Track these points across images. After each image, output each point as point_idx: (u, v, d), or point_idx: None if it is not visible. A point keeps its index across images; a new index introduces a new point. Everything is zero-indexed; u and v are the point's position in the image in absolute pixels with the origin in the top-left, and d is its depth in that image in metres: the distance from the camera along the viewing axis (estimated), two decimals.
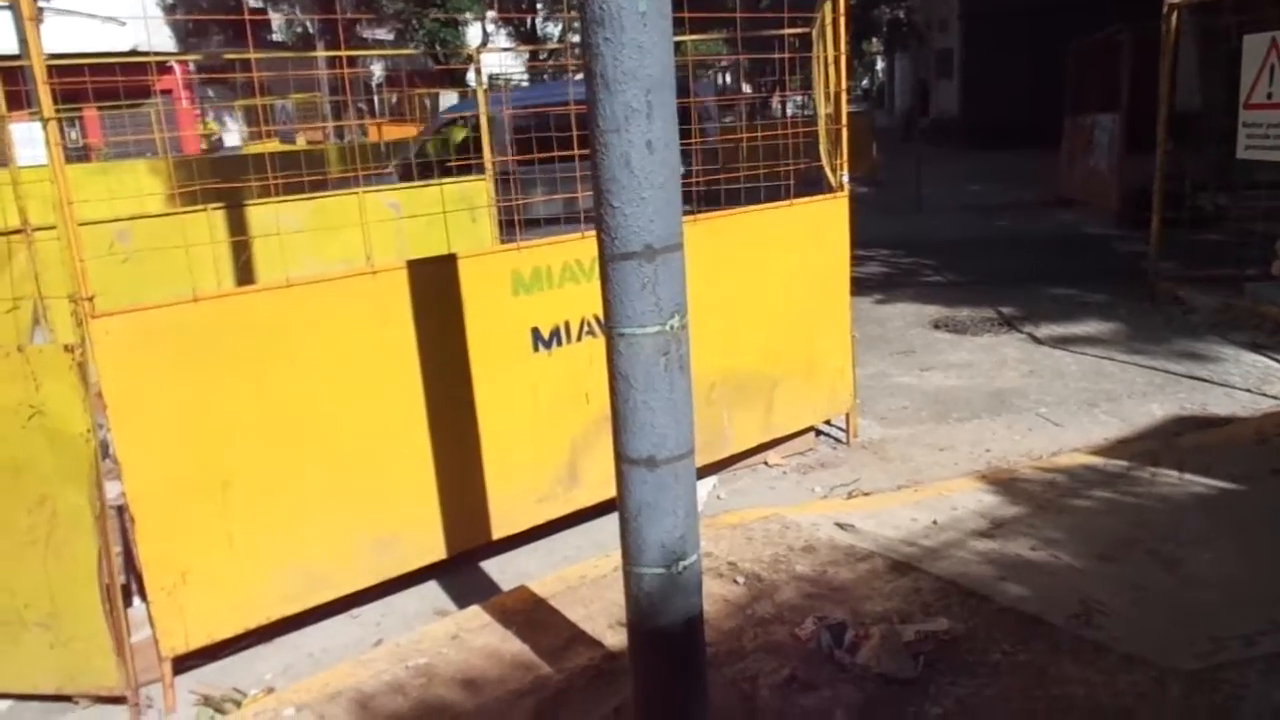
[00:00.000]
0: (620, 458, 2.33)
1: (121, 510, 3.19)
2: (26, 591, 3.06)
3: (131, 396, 2.95)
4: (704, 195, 4.93)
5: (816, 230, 4.72)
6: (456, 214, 5.99)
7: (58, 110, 2.85)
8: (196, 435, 3.08)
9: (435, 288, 3.51)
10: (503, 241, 5.64)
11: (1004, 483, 4.22)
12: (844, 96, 4.73)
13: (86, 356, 2.90)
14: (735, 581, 3.46)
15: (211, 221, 5.09)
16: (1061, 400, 5.58)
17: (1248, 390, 5.49)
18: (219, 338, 3.09)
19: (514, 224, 4.77)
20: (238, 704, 3.13)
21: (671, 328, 2.25)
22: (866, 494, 4.44)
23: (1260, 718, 2.56)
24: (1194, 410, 5.27)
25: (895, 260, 10.19)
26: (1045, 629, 3.02)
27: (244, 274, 5.24)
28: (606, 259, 2.24)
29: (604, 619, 3.28)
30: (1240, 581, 3.24)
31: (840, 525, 3.87)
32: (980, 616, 3.12)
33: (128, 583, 3.34)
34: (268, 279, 5.01)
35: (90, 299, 2.86)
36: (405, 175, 8.03)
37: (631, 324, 2.23)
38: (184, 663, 3.25)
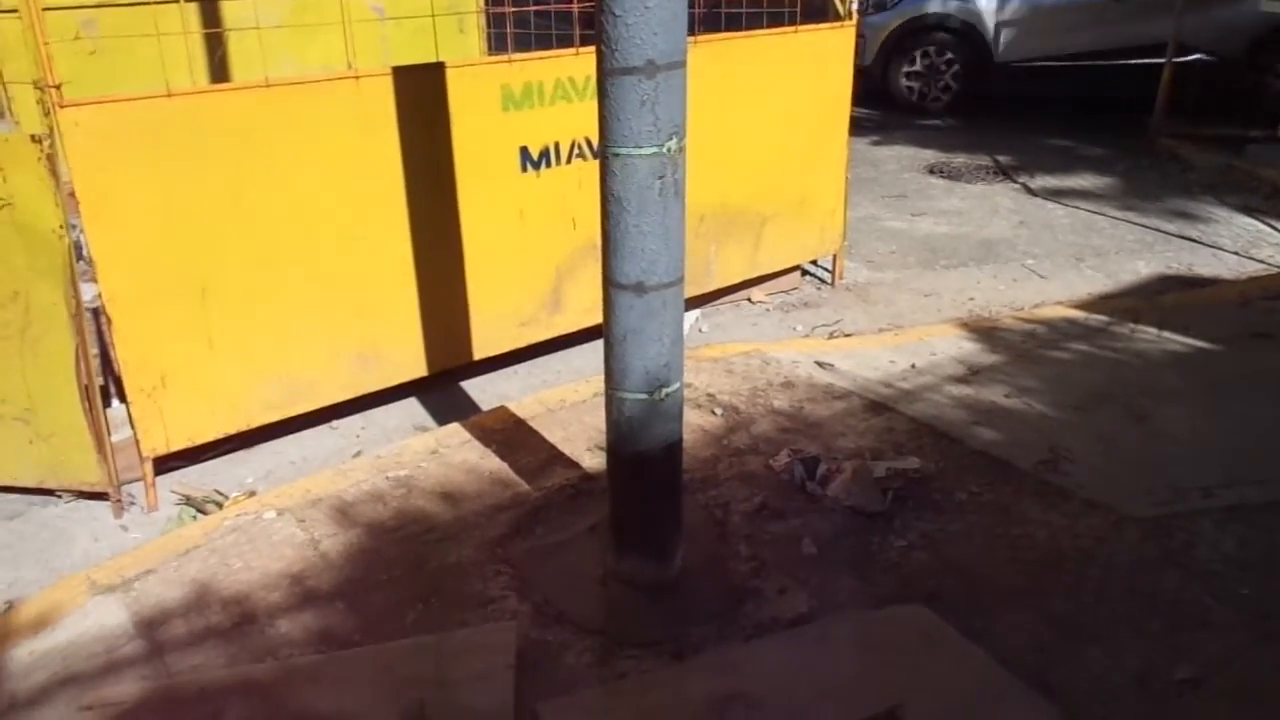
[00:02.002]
0: (608, 282, 2.29)
1: (97, 313, 3.14)
2: (3, 386, 3.05)
3: (104, 193, 2.84)
4: (703, 18, 4.69)
5: (819, 62, 4.53)
6: (443, 23, 5.70)
7: None
8: (173, 237, 3.00)
9: (421, 98, 3.36)
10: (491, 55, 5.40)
11: (984, 331, 4.25)
12: None
13: (55, 149, 2.78)
14: (713, 413, 3.51)
15: (185, 13, 4.80)
16: (1049, 253, 5.56)
17: (1236, 253, 5.48)
18: (195, 136, 2.96)
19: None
20: (219, 505, 3.19)
21: (669, 150, 2.16)
22: (848, 335, 4.46)
23: (1210, 563, 2.66)
24: (1180, 270, 5.27)
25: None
26: (1013, 472, 3.10)
27: (219, 74, 5.00)
28: (605, 73, 2.13)
29: (582, 442, 3.33)
30: (1205, 438, 3.31)
31: (820, 364, 3.90)
32: (950, 458, 3.19)
33: (106, 385, 3.33)
34: (245, 79, 4.78)
35: (57, 87, 2.71)
36: None
37: (627, 144, 2.14)
38: (165, 464, 3.29)
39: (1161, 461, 3.17)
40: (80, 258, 3.03)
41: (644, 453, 2.42)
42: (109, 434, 3.10)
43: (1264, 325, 4.26)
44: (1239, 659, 2.32)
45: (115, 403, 3.27)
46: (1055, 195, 6.63)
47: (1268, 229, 5.87)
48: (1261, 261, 5.34)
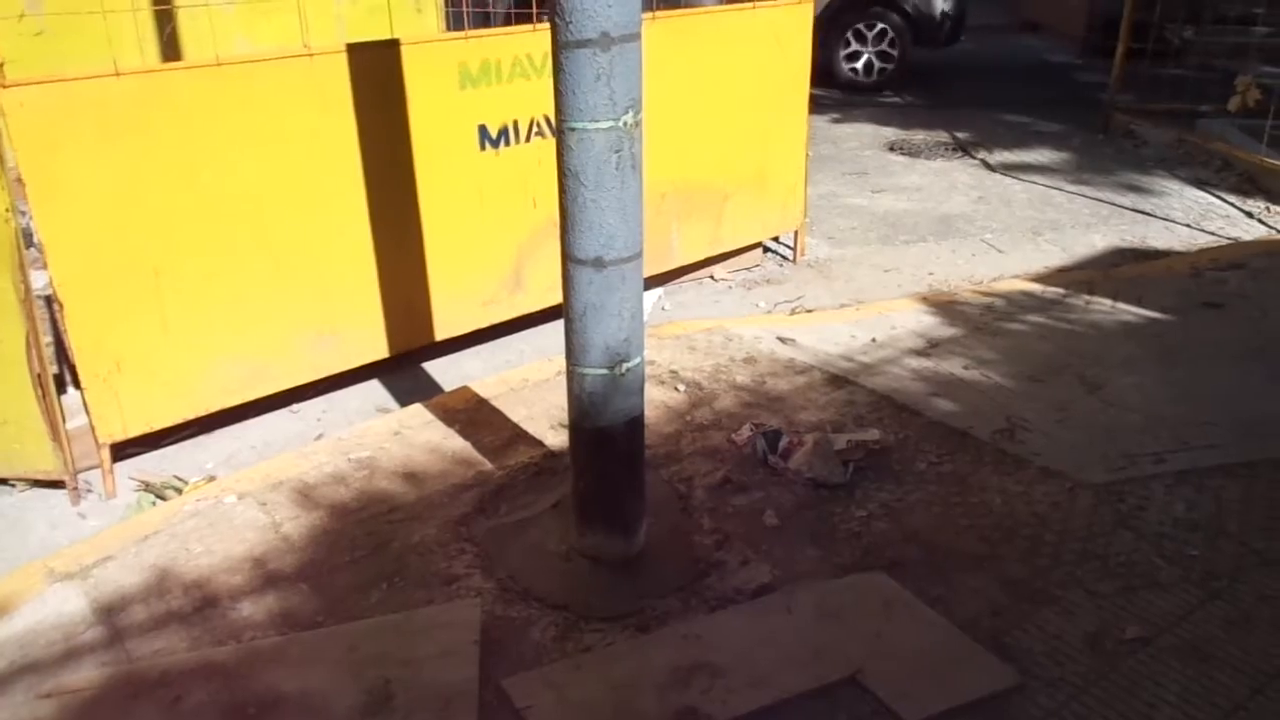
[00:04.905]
0: (567, 258, 2.29)
1: (49, 301, 3.08)
2: None
3: (52, 176, 2.79)
4: None
5: (778, 38, 4.54)
6: (399, 2, 5.62)
7: None
8: (124, 220, 2.95)
9: (377, 75, 3.32)
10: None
11: (943, 305, 4.29)
12: None
13: (0, 130, 2.72)
14: (676, 389, 3.52)
15: None
16: (1007, 227, 5.63)
17: (1187, 225, 5.58)
18: (145, 116, 2.91)
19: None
20: (179, 490, 3.16)
21: (625, 124, 2.16)
22: (809, 311, 4.49)
23: (1160, 526, 2.73)
24: (1134, 242, 5.36)
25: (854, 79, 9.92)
26: (971, 442, 3.15)
27: (170, 53, 4.90)
28: (559, 46, 2.12)
29: (545, 420, 3.34)
30: (1158, 405, 3.38)
31: (781, 339, 3.93)
32: (910, 429, 3.23)
33: (60, 372, 3.28)
34: (196, 58, 4.70)
35: (0, 65, 2.65)
36: None
37: (583, 118, 2.13)
38: (123, 450, 3.25)
39: (1115, 429, 3.23)
40: (30, 245, 2.97)
41: (606, 428, 2.43)
42: (64, 421, 3.05)
43: (1214, 295, 4.35)
44: (1187, 617, 2.38)
45: (70, 389, 3.22)
46: (1013, 171, 6.71)
47: (1218, 202, 5.98)
48: (1212, 233, 5.44)
